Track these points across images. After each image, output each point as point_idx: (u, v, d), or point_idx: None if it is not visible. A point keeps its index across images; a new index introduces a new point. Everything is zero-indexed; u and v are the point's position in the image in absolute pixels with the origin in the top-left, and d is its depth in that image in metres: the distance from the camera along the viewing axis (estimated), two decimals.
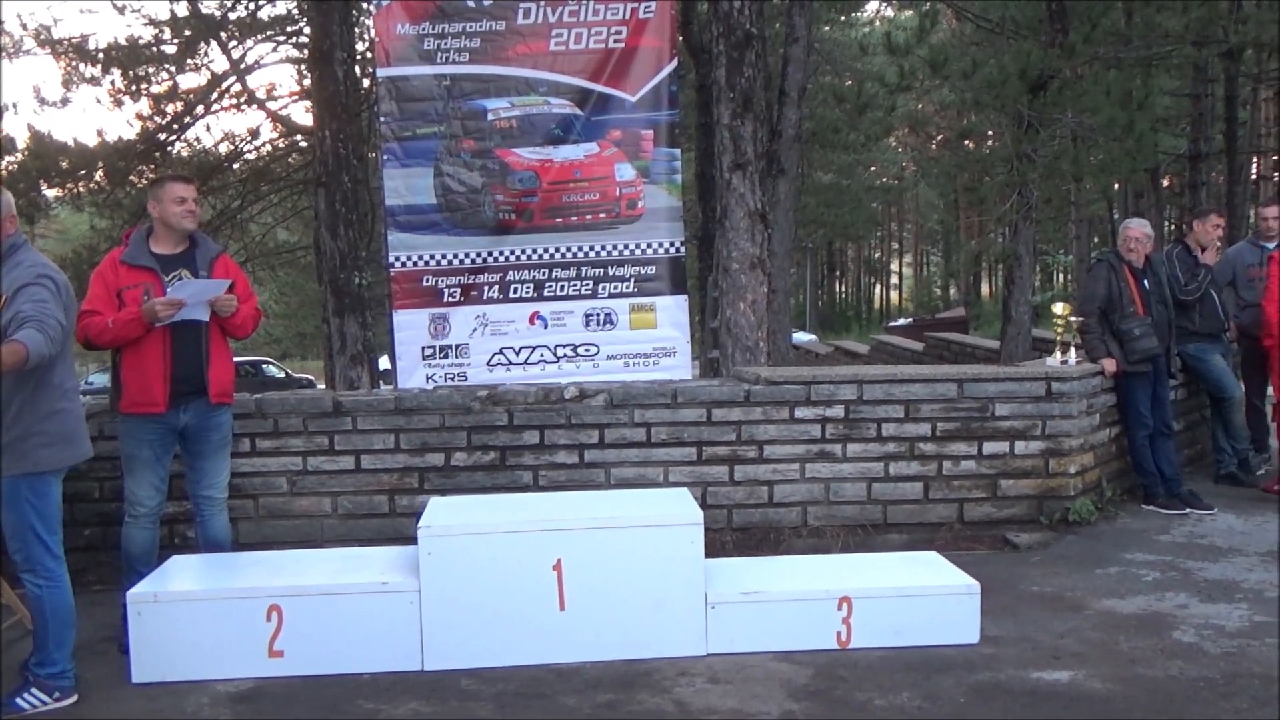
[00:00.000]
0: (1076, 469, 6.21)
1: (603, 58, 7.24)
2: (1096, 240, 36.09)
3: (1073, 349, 6.66)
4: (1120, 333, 6.64)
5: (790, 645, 4.36)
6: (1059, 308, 6.82)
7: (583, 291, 7.30)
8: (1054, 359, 6.63)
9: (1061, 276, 45.39)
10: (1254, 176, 23.30)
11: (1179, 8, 12.49)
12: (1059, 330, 6.73)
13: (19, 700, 3.90)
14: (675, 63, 7.45)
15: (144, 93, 15.44)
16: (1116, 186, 26.24)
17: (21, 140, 15.15)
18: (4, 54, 15.10)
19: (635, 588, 4.32)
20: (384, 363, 12.44)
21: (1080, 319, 6.72)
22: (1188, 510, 6.51)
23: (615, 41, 7.24)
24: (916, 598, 4.47)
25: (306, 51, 13.81)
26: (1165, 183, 27.48)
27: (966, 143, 23.12)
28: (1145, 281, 6.82)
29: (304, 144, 16.06)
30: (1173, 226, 28.70)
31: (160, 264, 4.59)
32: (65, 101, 15.96)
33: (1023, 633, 4.56)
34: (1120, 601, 4.94)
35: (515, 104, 7.28)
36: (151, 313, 4.43)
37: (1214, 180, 22.72)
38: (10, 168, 14.83)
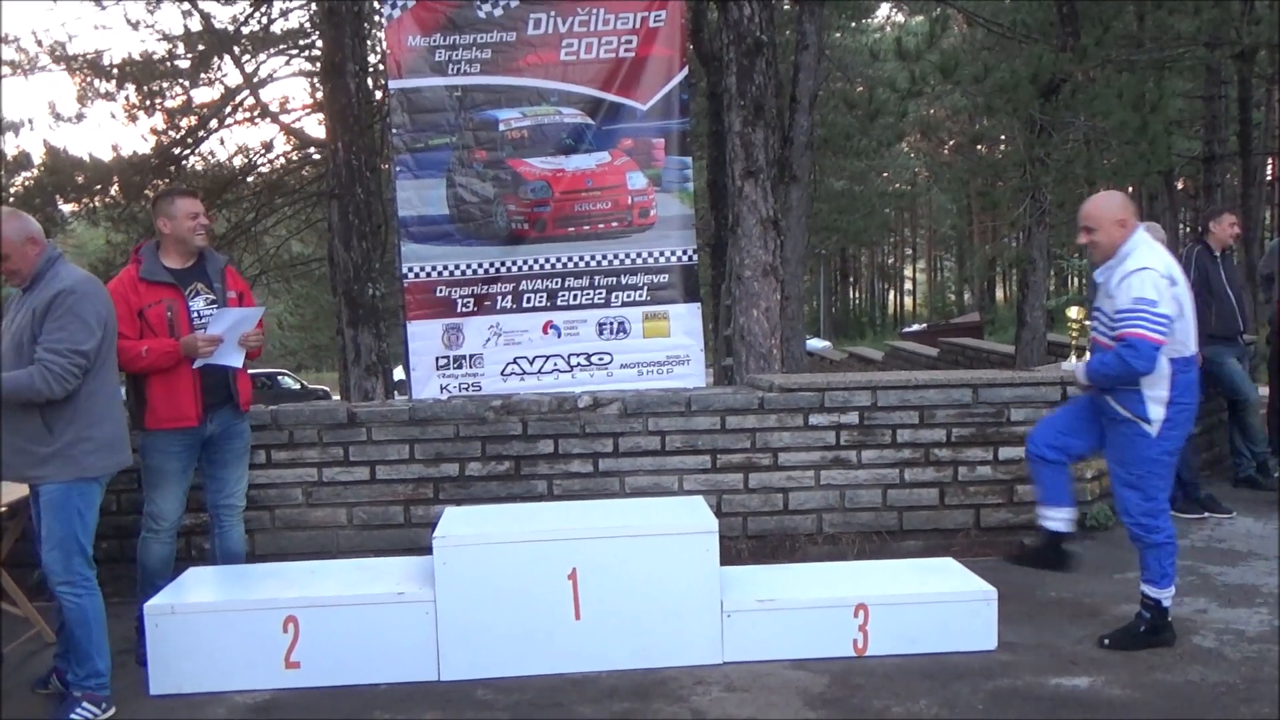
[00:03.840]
0: (1093, 474, 6.18)
1: (613, 67, 7.25)
2: None
3: (1088, 353, 6.62)
4: None
5: (806, 653, 4.36)
6: (1074, 312, 6.79)
7: (596, 300, 7.30)
8: (1069, 363, 6.60)
9: (1076, 280, 45.19)
10: (1269, 178, 23.19)
11: (1191, 10, 12.45)
12: (1074, 334, 6.70)
13: (74, 717, 3.91)
14: (686, 71, 7.45)
15: (158, 107, 15.52)
16: (1131, 189, 26.14)
17: (38, 156, 15.26)
18: (19, 70, 15.18)
19: (651, 597, 4.32)
20: (398, 373, 12.48)
21: None
22: (1206, 514, 6.48)
23: (626, 51, 7.25)
24: (933, 604, 4.45)
25: (319, 65, 13.85)
26: (1180, 185, 27.36)
27: (979, 147, 23.11)
28: None
29: (317, 156, 16.12)
30: (1187, 229, 28.57)
31: (177, 279, 4.61)
32: (80, 117, 16.00)
33: (1040, 639, 4.53)
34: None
35: (527, 114, 7.30)
36: (192, 348, 4.45)
37: (1229, 182, 22.62)
38: (27, 183, 14.94)
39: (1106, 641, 4.44)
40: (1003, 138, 21.84)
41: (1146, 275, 4.24)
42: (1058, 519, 4.61)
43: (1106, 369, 4.28)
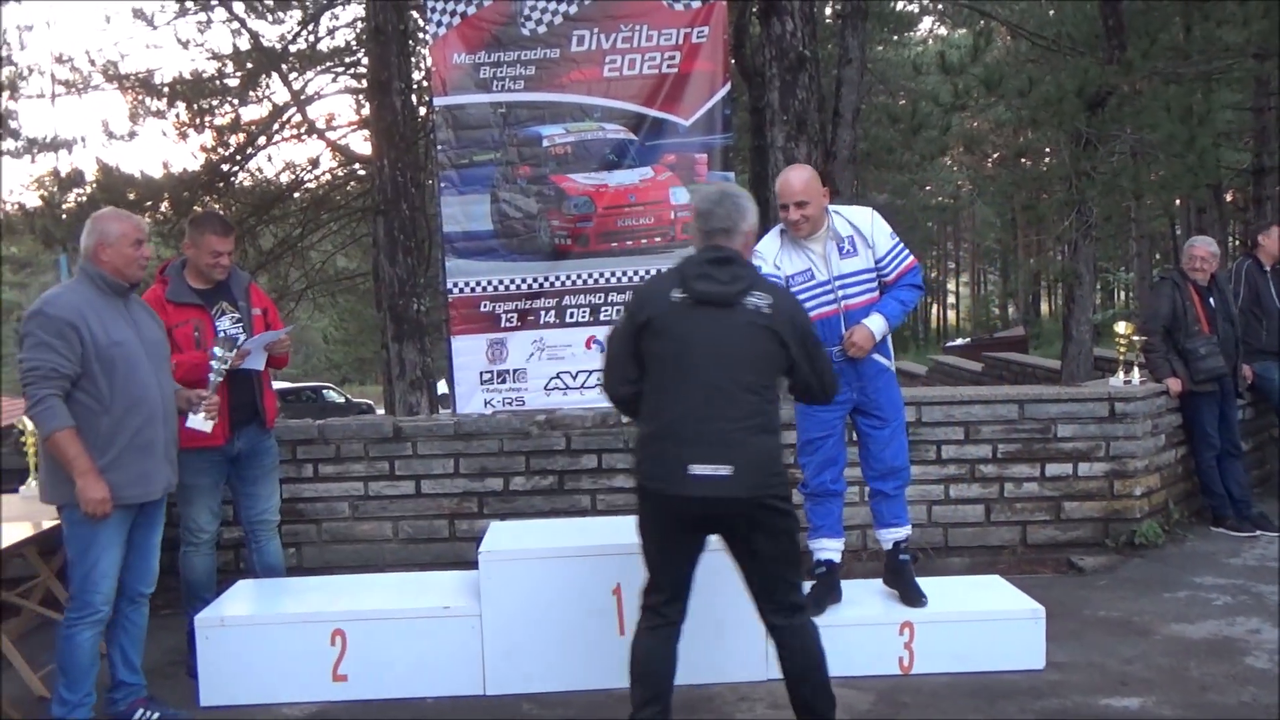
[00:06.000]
0: (1142, 491, 6.11)
1: (656, 83, 7.26)
2: (1159, 257, 35.48)
3: (1136, 368, 6.56)
4: (1185, 352, 6.54)
5: (852, 670, 4.33)
6: (1122, 327, 6.72)
7: None
8: (1117, 379, 6.53)
9: (1123, 294, 44.67)
10: None
11: (1239, 20, 12.26)
12: (1122, 349, 6.63)
13: None
14: (728, 86, 7.45)
15: (208, 125, 15.74)
16: (1178, 203, 25.78)
17: (91, 173, 15.51)
18: (74, 89, 15.47)
19: (694, 612, 4.29)
20: (442, 388, 12.58)
21: (1144, 338, 6.62)
22: (1258, 532, 6.38)
23: (669, 66, 7.26)
24: (980, 622, 4.42)
25: (365, 82, 14.00)
26: (1228, 198, 26.96)
27: (1023, 161, 22.90)
28: (1211, 300, 6.71)
29: (363, 172, 16.27)
30: (1237, 242, 28.14)
31: (203, 299, 4.68)
32: (132, 135, 16.32)
33: (1089, 658, 4.48)
34: (1190, 626, 4.85)
35: (570, 130, 7.33)
36: (185, 405, 4.51)
37: (1279, 195, 22.23)
38: (80, 199, 15.19)
39: (925, 601, 4.52)
40: (1048, 151, 21.64)
41: (879, 215, 4.60)
42: (834, 549, 4.75)
43: (910, 304, 4.57)
